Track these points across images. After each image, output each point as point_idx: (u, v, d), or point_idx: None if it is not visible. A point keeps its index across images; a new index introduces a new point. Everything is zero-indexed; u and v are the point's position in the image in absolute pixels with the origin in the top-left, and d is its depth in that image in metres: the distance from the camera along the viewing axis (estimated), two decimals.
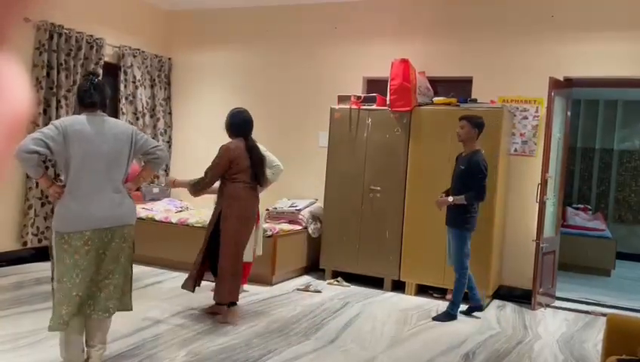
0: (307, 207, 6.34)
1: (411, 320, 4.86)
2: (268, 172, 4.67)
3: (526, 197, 5.69)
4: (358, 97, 5.98)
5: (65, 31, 6.01)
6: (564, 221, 7.50)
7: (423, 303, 5.41)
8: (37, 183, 5.65)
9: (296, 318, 4.66)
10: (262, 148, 4.89)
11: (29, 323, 3.96)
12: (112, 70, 6.80)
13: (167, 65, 7.55)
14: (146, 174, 3.53)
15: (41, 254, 5.77)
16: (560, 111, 5.71)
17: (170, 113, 7.63)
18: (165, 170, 7.43)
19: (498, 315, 5.18)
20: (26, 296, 4.70)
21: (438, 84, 6.12)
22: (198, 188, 4.41)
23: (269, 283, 5.67)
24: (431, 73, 6.07)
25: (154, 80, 7.36)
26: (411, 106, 5.65)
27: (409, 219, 5.69)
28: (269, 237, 5.60)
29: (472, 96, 5.77)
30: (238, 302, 4.56)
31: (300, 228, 6.17)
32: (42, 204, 5.92)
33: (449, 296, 5.26)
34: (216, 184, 4.44)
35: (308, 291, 5.57)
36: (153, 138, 7.25)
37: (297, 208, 6.27)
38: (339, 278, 5.98)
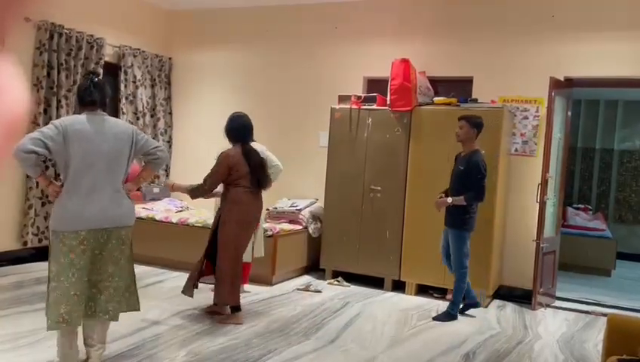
0: (307, 206, 6.34)
1: (411, 320, 4.85)
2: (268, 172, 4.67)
3: (526, 197, 5.69)
4: (359, 97, 5.98)
5: (65, 31, 6.01)
6: (564, 221, 7.49)
7: (423, 303, 5.41)
8: (37, 183, 5.65)
9: (296, 318, 4.66)
10: (262, 148, 4.89)
11: (29, 322, 3.96)
12: (113, 70, 6.80)
13: (167, 65, 7.55)
14: (146, 175, 3.52)
15: (42, 254, 5.76)
16: (560, 111, 5.71)
17: (170, 113, 7.63)
18: (166, 170, 7.43)
19: (498, 315, 5.18)
20: (26, 296, 4.71)
21: (439, 84, 6.12)
22: (196, 193, 4.41)
23: (269, 283, 5.67)
24: (431, 73, 6.07)
25: (154, 80, 7.36)
26: (412, 106, 5.65)
27: (409, 218, 5.68)
28: (270, 237, 5.60)
29: (473, 96, 5.77)
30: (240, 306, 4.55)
31: (301, 227, 6.17)
32: (42, 204, 5.92)
33: (449, 296, 5.26)
34: (220, 188, 4.44)
35: (308, 291, 5.57)
36: (153, 138, 7.25)
37: (298, 208, 6.27)
38: (339, 278, 5.98)
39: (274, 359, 3.70)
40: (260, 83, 7.06)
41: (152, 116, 7.36)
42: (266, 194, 4.66)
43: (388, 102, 5.77)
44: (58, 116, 5.87)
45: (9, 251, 5.77)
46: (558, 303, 5.69)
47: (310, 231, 6.23)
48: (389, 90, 5.72)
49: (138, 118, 7.08)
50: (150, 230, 6.08)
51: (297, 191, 6.64)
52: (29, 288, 4.96)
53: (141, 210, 6.35)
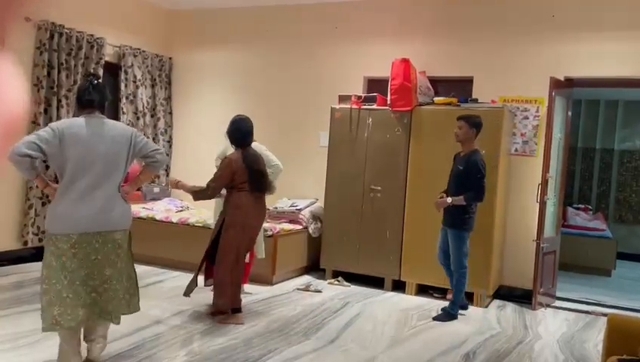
0: (307, 206, 6.34)
1: (411, 320, 4.85)
2: (267, 171, 4.66)
3: (526, 197, 5.69)
4: (359, 97, 5.98)
5: (65, 30, 6.01)
6: (564, 221, 7.49)
7: (423, 303, 5.41)
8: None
9: (296, 318, 4.66)
10: (262, 147, 4.90)
11: (29, 322, 3.95)
12: (113, 70, 6.81)
13: (167, 65, 7.55)
14: (145, 177, 3.51)
15: (42, 254, 5.74)
16: (561, 111, 5.71)
17: (170, 113, 7.63)
18: (166, 170, 7.43)
19: (498, 315, 5.18)
20: (26, 296, 4.71)
21: (439, 84, 6.12)
22: (199, 197, 4.41)
23: (270, 283, 5.67)
24: (431, 73, 6.07)
25: (154, 79, 7.36)
26: (412, 106, 5.65)
27: (409, 218, 5.68)
28: (270, 236, 5.60)
29: (473, 96, 5.77)
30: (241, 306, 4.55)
31: (301, 227, 6.17)
32: (43, 204, 5.92)
33: (449, 296, 5.26)
34: (224, 190, 4.44)
35: (308, 291, 5.57)
36: (154, 138, 7.26)
37: (298, 208, 6.27)
38: (339, 278, 5.98)
39: (274, 359, 3.70)
40: (260, 83, 7.06)
41: (152, 116, 7.36)
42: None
43: (388, 102, 5.76)
44: (58, 116, 5.88)
45: (9, 251, 5.77)
46: (558, 303, 5.69)
47: (310, 231, 6.23)
48: (389, 90, 5.72)
49: (138, 118, 7.08)
50: (150, 230, 6.09)
51: (297, 191, 6.64)
52: (29, 288, 4.96)
53: (141, 210, 6.35)
